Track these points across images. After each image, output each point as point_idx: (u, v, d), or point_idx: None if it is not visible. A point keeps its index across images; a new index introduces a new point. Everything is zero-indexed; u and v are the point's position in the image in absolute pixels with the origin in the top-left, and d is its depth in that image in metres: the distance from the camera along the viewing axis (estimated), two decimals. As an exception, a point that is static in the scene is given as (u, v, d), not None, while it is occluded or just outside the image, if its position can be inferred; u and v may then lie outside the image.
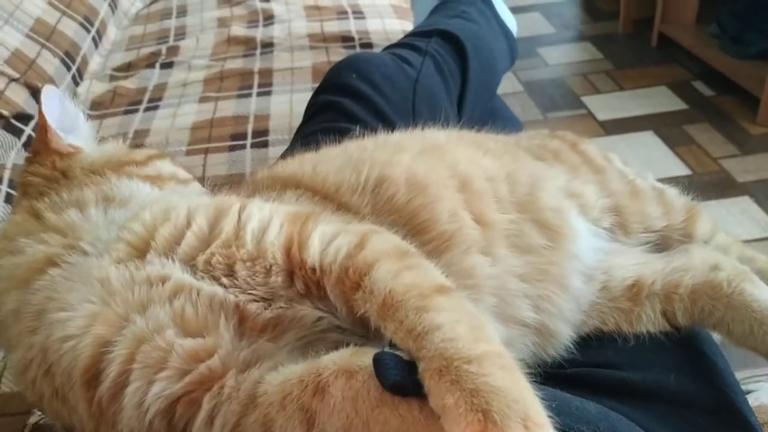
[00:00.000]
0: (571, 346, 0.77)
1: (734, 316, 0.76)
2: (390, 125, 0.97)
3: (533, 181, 0.84)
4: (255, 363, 0.55)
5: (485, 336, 0.50)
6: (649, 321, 0.77)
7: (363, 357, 0.51)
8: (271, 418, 0.51)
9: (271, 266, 0.59)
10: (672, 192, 0.95)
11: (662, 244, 0.90)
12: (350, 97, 1.12)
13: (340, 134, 0.92)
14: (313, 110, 1.18)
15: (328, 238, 0.60)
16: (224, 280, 0.59)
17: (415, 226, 0.72)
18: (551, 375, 0.64)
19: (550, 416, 0.55)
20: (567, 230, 0.80)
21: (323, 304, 0.60)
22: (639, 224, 0.89)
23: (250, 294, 0.59)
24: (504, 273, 0.73)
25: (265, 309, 0.59)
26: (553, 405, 0.57)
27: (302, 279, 0.59)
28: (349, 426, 0.48)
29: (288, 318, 0.59)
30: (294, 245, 0.60)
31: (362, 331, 0.59)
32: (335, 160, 0.82)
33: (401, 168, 0.78)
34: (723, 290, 0.78)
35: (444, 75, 1.23)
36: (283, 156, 1.07)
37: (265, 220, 0.62)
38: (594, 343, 0.77)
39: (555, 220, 0.80)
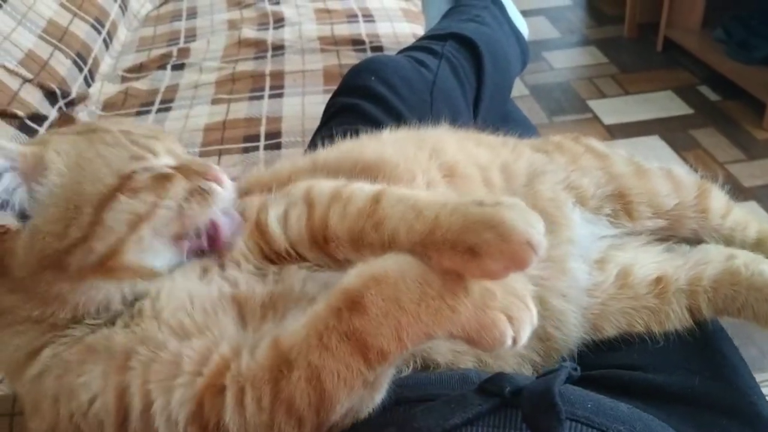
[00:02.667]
0: (594, 338, 0.77)
1: (757, 296, 0.78)
2: (408, 127, 0.98)
3: (532, 174, 0.86)
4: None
5: (424, 203, 0.58)
6: (677, 318, 0.77)
7: (380, 263, 0.54)
8: (317, 365, 0.50)
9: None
10: (680, 170, 0.93)
11: (674, 229, 0.89)
12: (369, 100, 1.12)
13: (357, 136, 0.93)
14: (331, 112, 1.19)
15: (283, 218, 0.67)
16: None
17: None
18: (577, 377, 0.65)
19: (586, 416, 0.56)
20: (562, 219, 0.82)
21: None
22: (647, 206, 0.87)
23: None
24: None
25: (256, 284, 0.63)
26: (589, 405, 0.58)
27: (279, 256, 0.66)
28: (399, 327, 0.50)
29: (279, 293, 0.62)
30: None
31: None
32: (299, 157, 0.88)
33: (369, 150, 0.82)
34: (742, 274, 0.79)
35: (460, 78, 1.23)
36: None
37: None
38: (619, 346, 0.77)
39: (551, 209, 0.82)
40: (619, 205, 0.87)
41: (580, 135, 0.99)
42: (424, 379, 0.65)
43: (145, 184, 0.60)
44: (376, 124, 1.00)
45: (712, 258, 0.82)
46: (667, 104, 2.85)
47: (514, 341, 0.52)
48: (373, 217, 0.60)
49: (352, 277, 0.53)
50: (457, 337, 0.52)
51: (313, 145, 1.14)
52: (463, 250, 0.53)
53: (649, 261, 0.82)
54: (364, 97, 1.14)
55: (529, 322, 0.53)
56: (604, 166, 0.89)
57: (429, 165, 0.82)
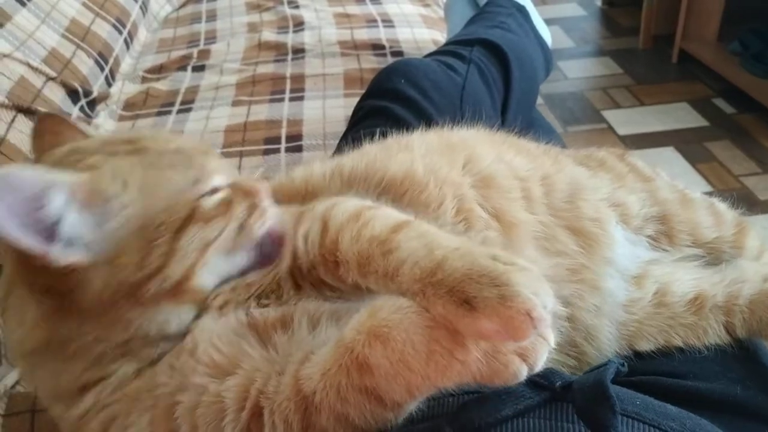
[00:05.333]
0: (628, 354, 0.77)
1: None
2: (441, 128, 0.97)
3: (574, 190, 0.83)
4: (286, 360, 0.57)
5: (438, 243, 0.55)
6: (714, 333, 0.77)
7: (381, 314, 0.52)
8: (341, 412, 0.52)
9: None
10: (722, 205, 0.94)
11: (709, 259, 0.89)
12: (399, 103, 1.12)
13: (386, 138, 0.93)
14: (360, 114, 1.19)
15: (307, 236, 0.65)
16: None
17: None
18: (618, 383, 0.64)
19: (636, 412, 0.56)
20: (603, 238, 0.80)
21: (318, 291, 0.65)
22: (688, 235, 0.87)
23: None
24: None
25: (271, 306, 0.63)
26: (637, 402, 0.58)
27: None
28: (410, 386, 0.50)
29: (292, 312, 0.62)
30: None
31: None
32: (326, 162, 0.84)
33: (397, 163, 0.79)
34: None
35: (488, 83, 1.23)
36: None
37: None
38: (659, 353, 0.77)
39: (592, 228, 0.80)
40: (661, 229, 0.86)
41: (626, 152, 0.98)
42: None
43: (213, 212, 0.61)
44: (405, 127, 1.00)
45: (749, 277, 0.82)
46: (682, 116, 2.84)
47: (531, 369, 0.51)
48: (384, 245, 0.57)
49: (353, 331, 0.53)
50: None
51: (340, 148, 1.14)
52: (459, 300, 0.49)
53: (687, 278, 0.81)
54: (394, 99, 1.14)
55: (545, 352, 0.51)
56: (649, 189, 0.89)
57: (461, 181, 0.79)
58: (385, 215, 0.63)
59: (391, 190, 0.76)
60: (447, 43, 1.47)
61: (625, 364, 0.65)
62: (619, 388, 0.61)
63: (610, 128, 2.81)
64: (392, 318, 0.51)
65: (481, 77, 1.24)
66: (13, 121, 1.40)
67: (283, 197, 0.78)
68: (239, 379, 0.56)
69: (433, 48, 1.83)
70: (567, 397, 0.57)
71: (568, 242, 0.78)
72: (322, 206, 0.67)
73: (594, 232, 0.80)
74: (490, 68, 1.27)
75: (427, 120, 1.08)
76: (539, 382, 0.59)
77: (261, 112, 1.68)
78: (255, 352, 0.58)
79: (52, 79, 1.59)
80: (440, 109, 1.13)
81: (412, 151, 0.83)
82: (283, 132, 1.59)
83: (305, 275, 0.65)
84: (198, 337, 0.60)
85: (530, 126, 1.33)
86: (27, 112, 1.45)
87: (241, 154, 1.52)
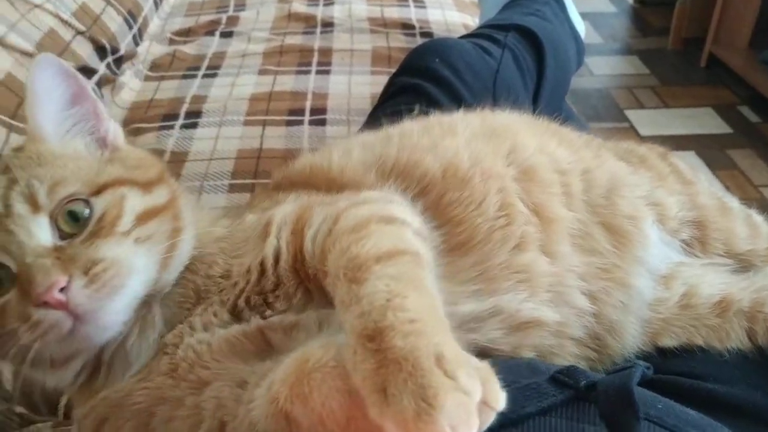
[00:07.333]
0: (650, 349, 0.76)
1: None
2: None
3: (612, 186, 0.81)
4: None
5: (401, 301, 0.47)
6: (737, 338, 0.76)
7: (306, 367, 0.49)
8: None
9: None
10: (759, 217, 0.92)
11: (739, 267, 0.87)
12: (432, 82, 1.11)
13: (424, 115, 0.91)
14: (392, 90, 1.18)
15: (314, 239, 0.62)
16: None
17: (442, 217, 0.71)
18: (650, 377, 0.64)
19: (658, 416, 0.55)
20: (638, 237, 0.79)
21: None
22: (722, 244, 0.85)
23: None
24: (563, 271, 0.72)
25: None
26: (659, 406, 0.57)
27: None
28: None
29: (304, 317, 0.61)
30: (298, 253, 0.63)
31: None
32: (367, 149, 0.80)
33: (442, 155, 0.76)
34: None
35: (522, 69, 1.22)
36: (356, 137, 1.06)
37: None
38: (679, 353, 0.76)
39: (628, 226, 0.79)
40: (697, 235, 0.84)
41: (668, 152, 0.96)
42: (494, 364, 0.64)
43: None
44: (437, 107, 0.98)
45: None
46: (706, 121, 2.82)
47: None
48: (358, 271, 0.51)
49: (279, 381, 0.50)
50: None
51: (368, 124, 1.13)
52: (379, 385, 0.43)
53: (715, 281, 0.80)
54: (428, 78, 1.12)
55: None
56: (688, 193, 0.87)
57: (505, 173, 0.76)
58: (387, 235, 0.56)
59: (433, 190, 0.73)
60: (481, 27, 1.45)
61: (651, 367, 0.64)
62: (642, 390, 0.60)
63: (633, 128, 2.78)
64: (314, 377, 0.47)
65: (515, 63, 1.22)
66: (40, 72, 1.40)
67: (316, 180, 0.77)
68: (214, 391, 0.56)
69: (463, 31, 1.81)
70: (590, 397, 0.57)
71: (602, 240, 0.76)
72: (343, 204, 0.64)
73: (629, 231, 0.78)
74: (524, 55, 1.25)
75: (459, 101, 1.07)
76: (563, 380, 0.58)
77: (286, 83, 1.67)
78: (237, 366, 0.57)
79: (81, 33, 1.59)
80: (473, 92, 1.12)
81: (456, 136, 0.80)
82: (308, 105, 1.58)
83: (312, 279, 0.62)
84: (181, 356, 0.59)
85: (562, 117, 1.32)
86: (54, 64, 1.45)
87: (264, 123, 1.51)
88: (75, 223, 0.58)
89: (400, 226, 0.60)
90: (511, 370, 0.62)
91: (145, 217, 0.61)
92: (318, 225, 0.62)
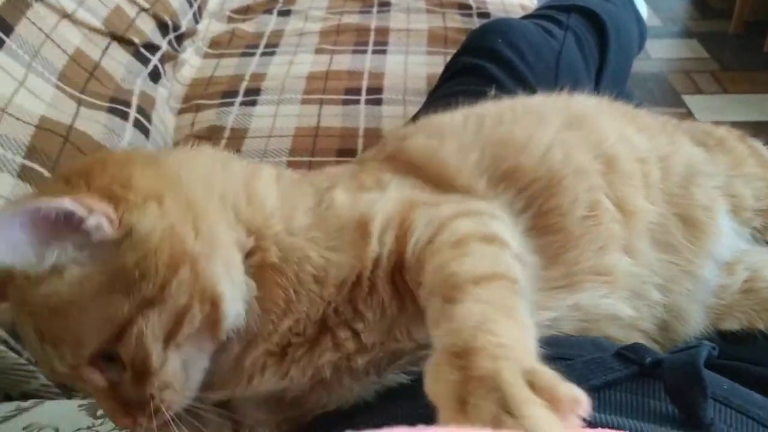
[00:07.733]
0: (713, 334, 0.75)
1: None
2: (532, 95, 0.95)
3: (689, 174, 0.78)
4: None
5: (492, 326, 0.47)
6: None
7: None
8: None
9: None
10: None
11: None
12: (494, 62, 1.10)
13: (479, 98, 0.91)
14: (453, 71, 1.18)
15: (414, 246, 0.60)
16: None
17: (544, 227, 0.69)
18: (716, 356, 0.64)
19: (724, 396, 0.55)
20: (712, 229, 0.77)
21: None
22: None
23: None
24: (643, 269, 0.71)
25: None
26: (725, 386, 0.57)
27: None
28: None
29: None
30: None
31: None
32: (463, 135, 0.77)
33: (537, 153, 0.73)
34: None
35: (584, 51, 1.20)
36: (415, 117, 1.06)
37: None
38: (741, 340, 0.75)
39: (703, 217, 0.76)
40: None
41: (746, 134, 0.93)
42: (559, 339, 0.64)
43: None
44: (499, 88, 0.98)
45: None
46: (766, 108, 2.73)
47: None
48: (454, 291, 0.51)
49: None
50: None
51: (429, 104, 1.13)
52: (459, 394, 0.42)
53: None
54: (490, 59, 1.12)
55: None
56: (767, 177, 0.84)
57: (591, 168, 0.73)
58: (486, 257, 0.56)
59: (537, 200, 0.71)
60: (542, 7, 1.44)
61: (717, 347, 0.63)
62: (706, 371, 0.60)
63: (690, 113, 2.71)
64: None
65: (578, 45, 1.20)
66: (107, 48, 1.44)
67: (430, 171, 0.73)
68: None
69: (520, 12, 1.80)
70: (655, 373, 0.57)
71: (678, 234, 0.74)
72: (447, 211, 0.63)
73: (704, 222, 0.75)
74: (587, 36, 1.23)
75: (522, 82, 1.06)
76: (628, 356, 0.58)
77: (343, 62, 1.68)
78: None
79: (145, 10, 1.62)
80: (536, 74, 1.11)
81: (545, 125, 0.76)
82: (364, 84, 1.59)
83: (407, 288, 0.60)
84: None
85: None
86: (120, 40, 1.49)
87: (321, 102, 1.54)
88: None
89: (499, 246, 0.59)
90: (574, 345, 0.63)
91: (173, 332, 0.56)
92: (420, 232, 0.60)
